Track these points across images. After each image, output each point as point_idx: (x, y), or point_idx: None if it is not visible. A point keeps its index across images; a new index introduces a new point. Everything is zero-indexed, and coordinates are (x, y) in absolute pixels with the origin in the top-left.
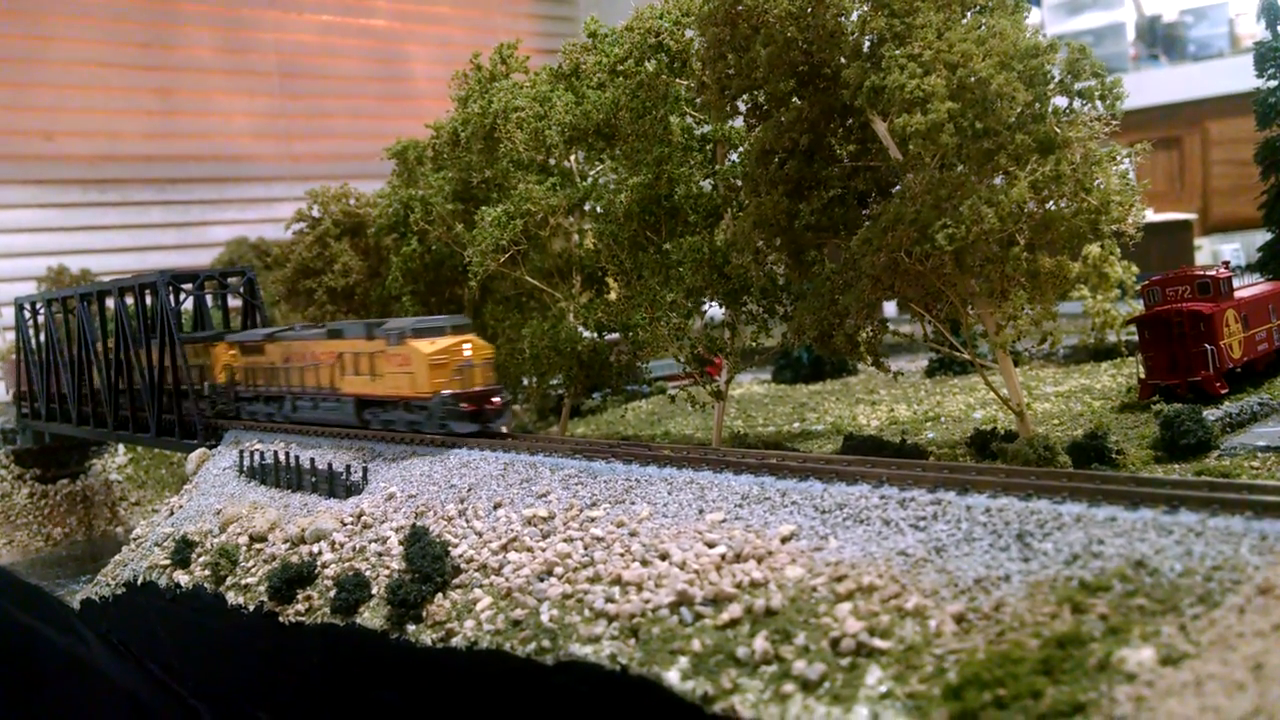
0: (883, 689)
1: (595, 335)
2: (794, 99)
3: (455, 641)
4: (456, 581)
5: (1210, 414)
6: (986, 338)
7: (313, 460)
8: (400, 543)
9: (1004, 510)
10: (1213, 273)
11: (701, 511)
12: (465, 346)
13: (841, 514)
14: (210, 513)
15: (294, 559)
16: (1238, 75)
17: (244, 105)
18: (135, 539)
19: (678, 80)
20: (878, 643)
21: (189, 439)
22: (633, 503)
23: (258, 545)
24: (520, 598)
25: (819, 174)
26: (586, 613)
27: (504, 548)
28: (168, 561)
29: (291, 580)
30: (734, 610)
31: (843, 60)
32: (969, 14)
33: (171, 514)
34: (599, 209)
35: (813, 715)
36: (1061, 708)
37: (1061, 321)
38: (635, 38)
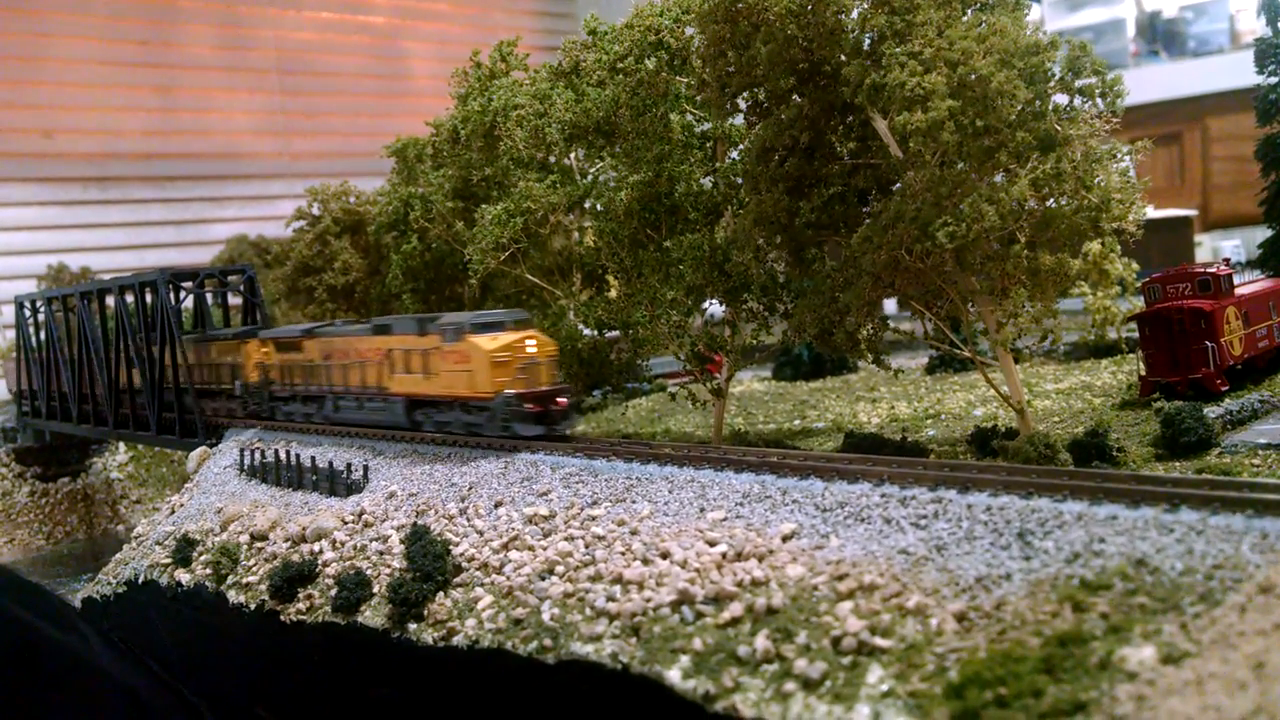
0: (884, 688)
1: (595, 333)
2: (794, 96)
3: (456, 640)
4: (458, 580)
5: (1211, 411)
6: (987, 335)
7: (313, 459)
8: (401, 541)
9: (1005, 508)
10: (1213, 270)
11: (702, 510)
12: (529, 343)
13: (842, 512)
14: (211, 511)
15: (295, 557)
16: (1238, 71)
17: (244, 103)
18: (136, 537)
19: (678, 78)
20: (879, 641)
21: (189, 437)
22: (634, 501)
23: (259, 544)
24: (521, 596)
25: (819, 172)
26: (588, 611)
27: (505, 546)
28: (169, 560)
29: (292, 579)
30: (735, 609)
31: (843, 58)
32: (969, 11)
33: (172, 512)
34: (599, 207)
35: (814, 714)
36: (1063, 706)
37: (1062, 319)
38: (635, 35)
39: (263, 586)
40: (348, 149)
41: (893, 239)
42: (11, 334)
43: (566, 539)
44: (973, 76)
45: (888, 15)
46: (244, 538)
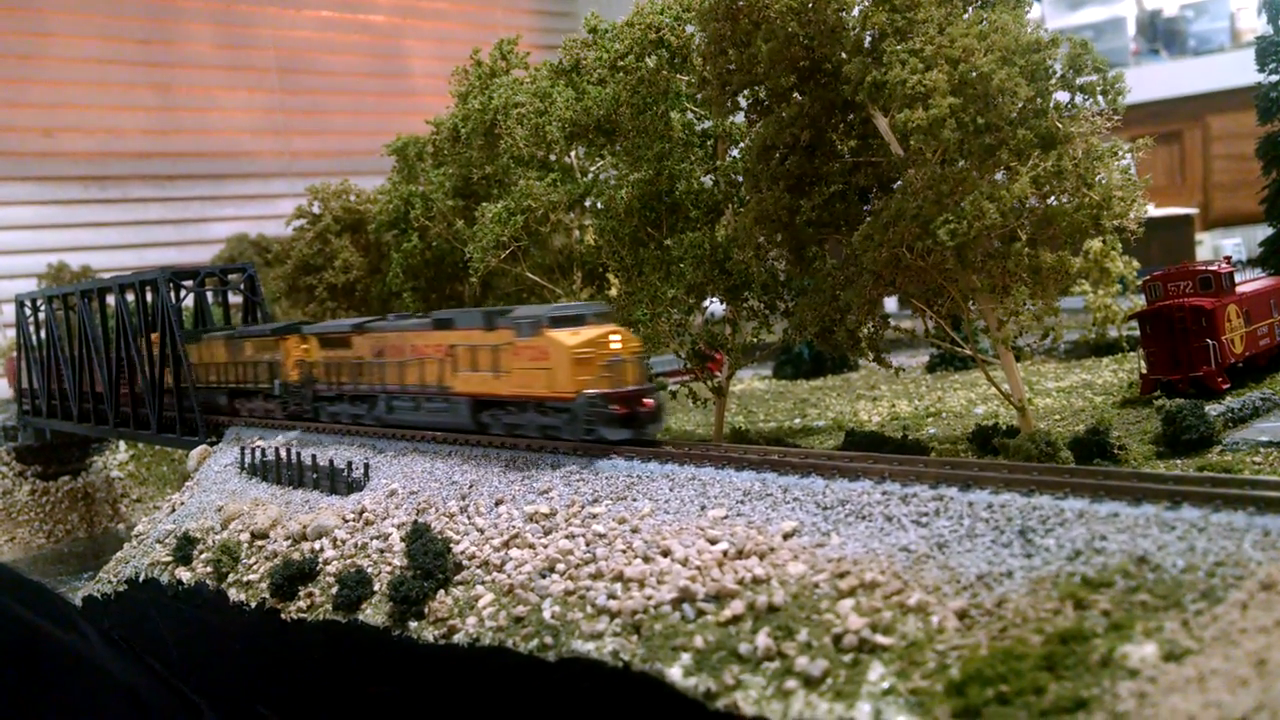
0: (885, 685)
1: None
2: (795, 94)
3: (457, 638)
4: (458, 578)
5: (1212, 409)
6: (988, 333)
7: (314, 457)
8: (402, 539)
9: (1006, 506)
10: (1214, 268)
11: (703, 508)
12: (614, 338)
13: (843, 510)
14: (212, 509)
15: (296, 556)
16: (1239, 70)
17: (244, 101)
18: (137, 536)
19: (678, 76)
20: (880, 639)
21: (190, 435)
22: (634, 499)
23: (259, 542)
24: (522, 594)
25: (820, 169)
26: (589, 609)
27: (506, 544)
28: (169, 558)
29: (293, 577)
30: (736, 607)
31: (844, 55)
32: (970, 9)
33: (173, 511)
34: (600, 205)
35: (815, 711)
36: (1064, 704)
37: (1063, 317)
38: (636, 33)
39: (263, 584)
40: (348, 147)
41: (894, 237)
42: (12, 333)
43: (567, 537)
44: (974, 74)
45: (888, 12)
46: (245, 536)
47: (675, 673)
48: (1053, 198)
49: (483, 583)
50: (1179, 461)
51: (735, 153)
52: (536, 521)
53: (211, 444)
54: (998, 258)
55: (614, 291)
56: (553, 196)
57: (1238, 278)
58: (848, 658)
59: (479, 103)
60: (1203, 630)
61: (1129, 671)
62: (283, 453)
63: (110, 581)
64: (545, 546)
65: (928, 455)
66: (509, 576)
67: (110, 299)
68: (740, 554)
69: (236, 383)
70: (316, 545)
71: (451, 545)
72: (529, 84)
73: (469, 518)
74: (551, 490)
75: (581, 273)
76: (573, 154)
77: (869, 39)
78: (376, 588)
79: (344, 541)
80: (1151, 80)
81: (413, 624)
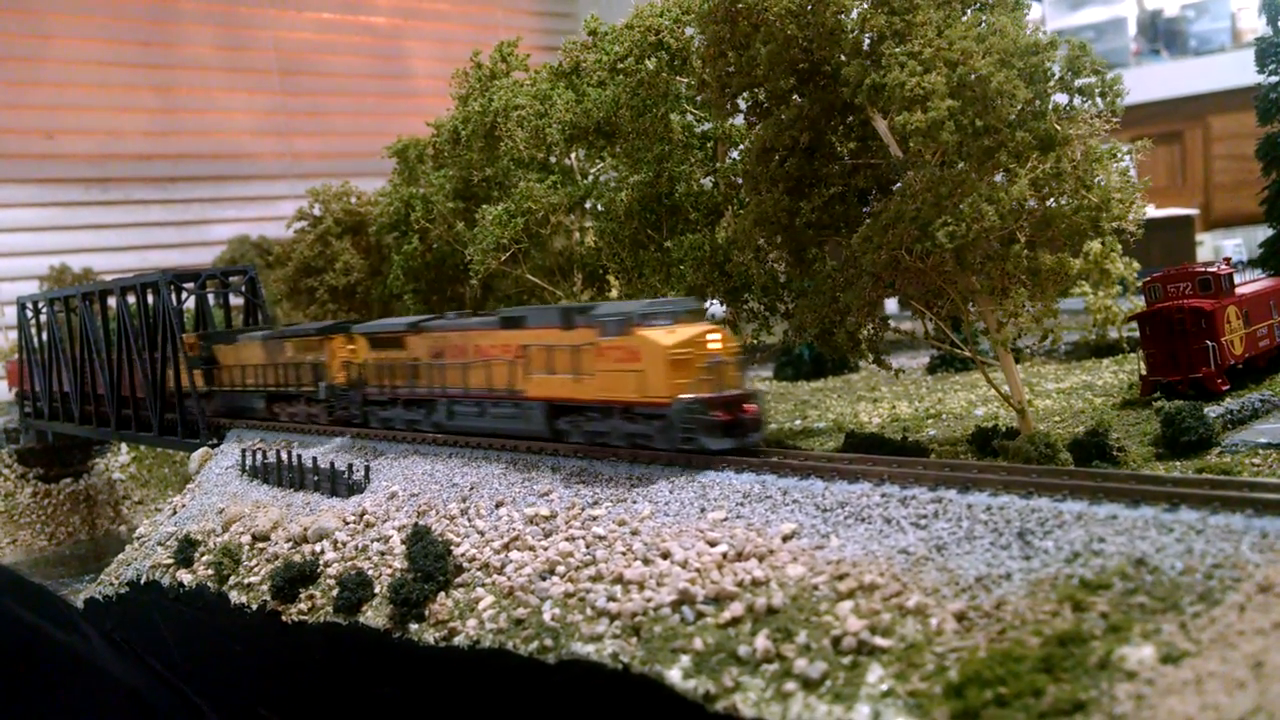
0: (884, 687)
1: None
2: (794, 96)
3: (457, 640)
4: (459, 580)
5: (1211, 411)
6: (988, 335)
7: (315, 459)
8: (403, 541)
9: (1005, 508)
10: (1214, 269)
11: (703, 510)
12: (712, 337)
13: (843, 512)
14: (213, 512)
15: (296, 558)
16: (1239, 70)
17: (245, 103)
18: (138, 538)
19: (678, 78)
20: (879, 641)
21: (191, 438)
22: (634, 501)
23: (260, 544)
24: (522, 596)
25: (819, 172)
26: (588, 611)
27: (506, 546)
28: (171, 561)
29: (294, 579)
30: (735, 609)
31: (843, 58)
32: (969, 11)
33: (174, 513)
34: (600, 207)
35: (814, 713)
36: (1062, 706)
37: (1063, 318)
38: (635, 35)
39: (264, 587)
40: (349, 149)
41: (893, 239)
42: (14, 335)
43: (567, 539)
44: (972, 76)
45: (887, 15)
46: (246, 538)
47: (674, 675)
48: (1051, 200)
49: (483, 585)
50: (1178, 463)
51: (735, 155)
52: (537, 524)
53: (213, 446)
54: (997, 259)
55: (614, 293)
56: (553, 199)
57: (1238, 279)
58: (846, 660)
59: (479, 105)
60: (1200, 632)
61: (1127, 674)
62: (284, 455)
63: (112, 584)
64: (545, 549)
65: (927, 457)
66: (509, 579)
67: (111, 301)
68: (739, 556)
69: (276, 385)
70: (317, 548)
71: (452, 547)
72: (529, 86)
73: (469, 520)
74: (552, 492)
75: (582, 275)
76: (573, 156)
77: (868, 41)
78: (377, 590)
79: (345, 544)
80: (1152, 80)
81: (413, 626)
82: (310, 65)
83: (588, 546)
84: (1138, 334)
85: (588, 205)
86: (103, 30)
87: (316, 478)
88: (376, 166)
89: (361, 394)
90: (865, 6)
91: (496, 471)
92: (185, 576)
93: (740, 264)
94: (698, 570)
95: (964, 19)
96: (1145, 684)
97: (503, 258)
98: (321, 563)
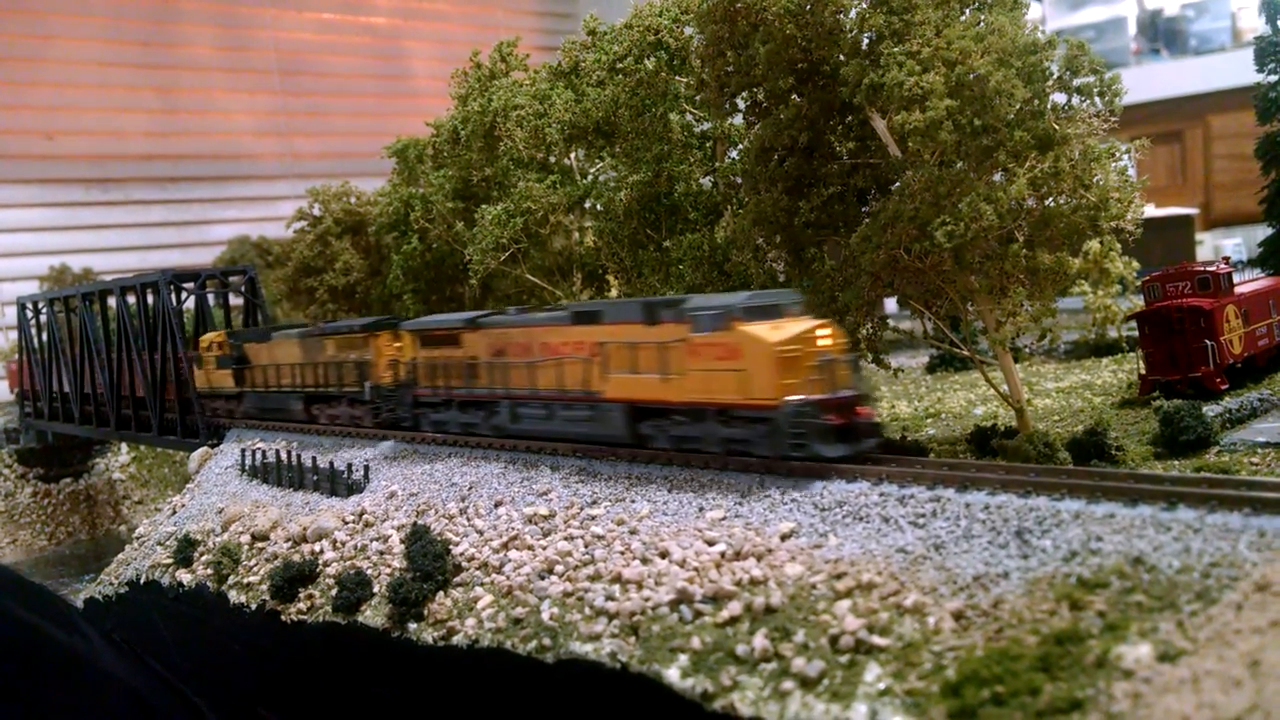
0: (881, 686)
1: None
2: (793, 96)
3: (456, 640)
4: (458, 580)
5: (1210, 410)
6: (986, 334)
7: (314, 459)
8: (402, 541)
9: (1003, 507)
10: (1213, 268)
11: (701, 509)
12: (822, 333)
13: (841, 511)
14: (212, 511)
15: (296, 558)
16: (1239, 69)
17: (245, 104)
18: (138, 538)
19: (677, 78)
20: (877, 640)
21: (191, 438)
22: (633, 501)
23: (260, 544)
24: (521, 596)
25: (818, 171)
26: (587, 611)
27: (505, 546)
28: (170, 560)
29: (293, 579)
30: (734, 608)
31: (841, 57)
32: (967, 11)
33: (174, 513)
34: (599, 207)
35: (812, 712)
36: (1059, 704)
37: (1062, 317)
38: (635, 35)
39: (264, 586)
40: (348, 149)
41: (891, 238)
42: (14, 335)
43: (566, 538)
44: (971, 76)
45: (886, 15)
46: (245, 538)
47: (673, 674)
48: (1050, 199)
49: (482, 584)
50: (1176, 462)
51: (734, 154)
52: (535, 523)
53: (212, 446)
54: (995, 259)
55: (614, 293)
56: (552, 198)
57: (1237, 278)
58: (844, 659)
59: (478, 105)
60: (1197, 631)
61: (1124, 672)
62: (283, 455)
63: (111, 583)
64: (544, 548)
65: (926, 456)
66: (508, 578)
67: (111, 301)
68: (738, 555)
69: (315, 386)
70: (316, 547)
71: (451, 547)
72: (528, 86)
73: (468, 519)
74: (550, 492)
75: (581, 274)
76: (572, 156)
77: (866, 41)
78: (376, 589)
79: (344, 543)
80: (1152, 80)
81: (412, 626)
82: (310, 65)
83: (586, 546)
84: (1137, 333)
85: (587, 205)
86: (103, 31)
87: (316, 477)
88: (376, 166)
89: (411, 395)
90: (864, 6)
91: (495, 471)
92: (185, 576)
93: (739, 264)
94: (696, 569)
95: (962, 18)
96: (1142, 682)
97: (502, 257)
98: (320, 562)
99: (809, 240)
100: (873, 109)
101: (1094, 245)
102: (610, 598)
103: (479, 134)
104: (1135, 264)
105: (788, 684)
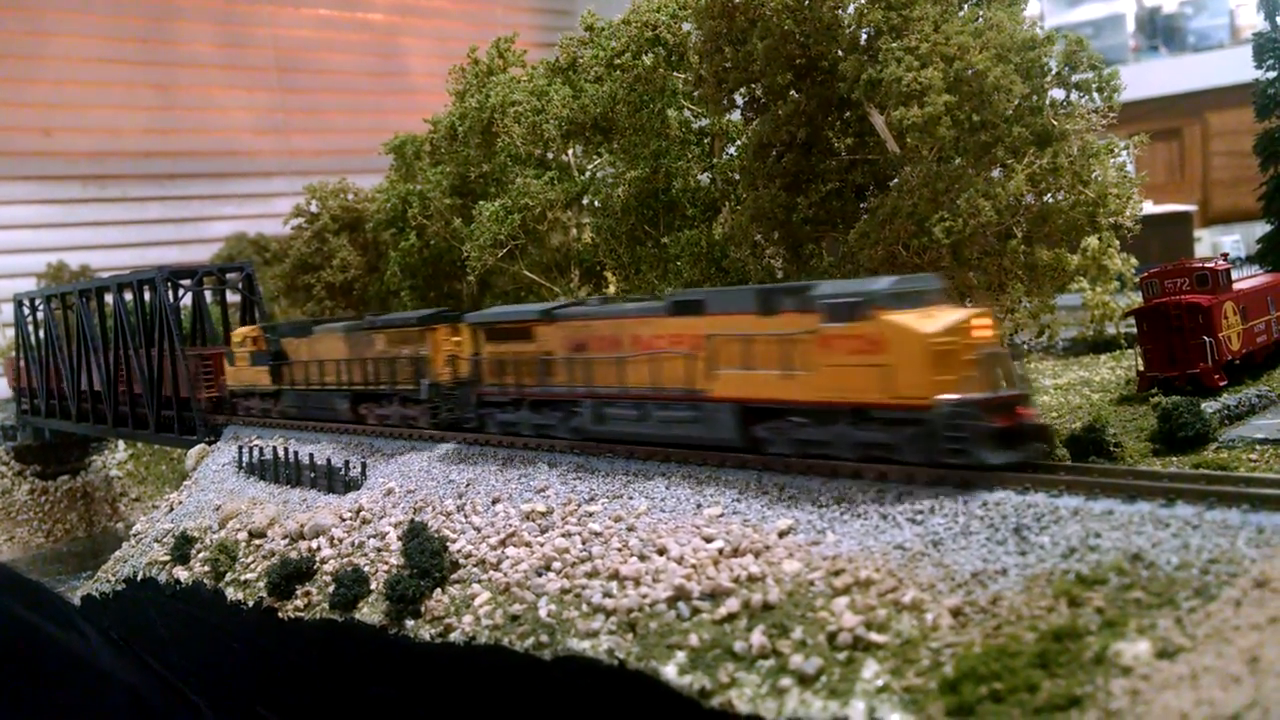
0: (879, 683)
1: None
2: (791, 92)
3: (453, 637)
4: (455, 577)
5: (1208, 406)
6: None
7: (311, 456)
8: (399, 538)
9: (1001, 504)
10: (1211, 265)
11: (699, 506)
12: (980, 323)
13: (838, 508)
14: (210, 509)
15: (293, 555)
16: (1238, 66)
17: (242, 100)
18: (135, 535)
19: (675, 74)
20: (874, 637)
21: (188, 435)
22: (630, 498)
23: (257, 541)
24: (518, 593)
25: (816, 167)
26: (584, 608)
27: (502, 543)
28: (167, 558)
29: (290, 576)
30: (731, 605)
31: (840, 53)
32: (965, 6)
33: (171, 510)
34: (597, 203)
35: (810, 709)
36: (1058, 701)
37: (1060, 314)
38: (632, 31)
39: (261, 584)
40: (346, 146)
41: (890, 234)
42: (11, 332)
43: (563, 535)
44: (969, 71)
45: (884, 10)
46: (242, 535)
47: (670, 671)
48: (1048, 195)
49: (479, 581)
50: (1174, 459)
51: (732, 150)
52: (533, 520)
53: (209, 443)
54: (993, 255)
55: (612, 289)
56: (550, 194)
57: (1235, 275)
58: (842, 655)
59: (476, 101)
60: (1196, 628)
61: (1122, 669)
62: (280, 452)
63: (109, 581)
64: (542, 545)
65: None
66: (505, 575)
67: (109, 298)
68: (735, 552)
69: (364, 384)
70: (314, 544)
71: (448, 544)
72: (526, 82)
73: (466, 516)
74: (548, 489)
75: (579, 271)
76: (570, 152)
77: (865, 36)
78: (373, 586)
79: (341, 540)
80: (1151, 77)
81: (409, 623)
82: (308, 62)
83: (584, 542)
84: (1135, 330)
85: (585, 201)
86: (101, 28)
87: (313, 474)
88: (374, 163)
89: (476, 394)
90: (862, 1)
91: (493, 468)
92: (182, 573)
93: (737, 260)
94: (694, 566)
95: (961, 14)
96: (1141, 679)
97: (500, 254)
98: (318, 559)
99: (807, 236)
100: (871, 104)
101: (1092, 241)
102: (608, 594)
103: (477, 130)
104: (1133, 260)
105: (785, 681)
